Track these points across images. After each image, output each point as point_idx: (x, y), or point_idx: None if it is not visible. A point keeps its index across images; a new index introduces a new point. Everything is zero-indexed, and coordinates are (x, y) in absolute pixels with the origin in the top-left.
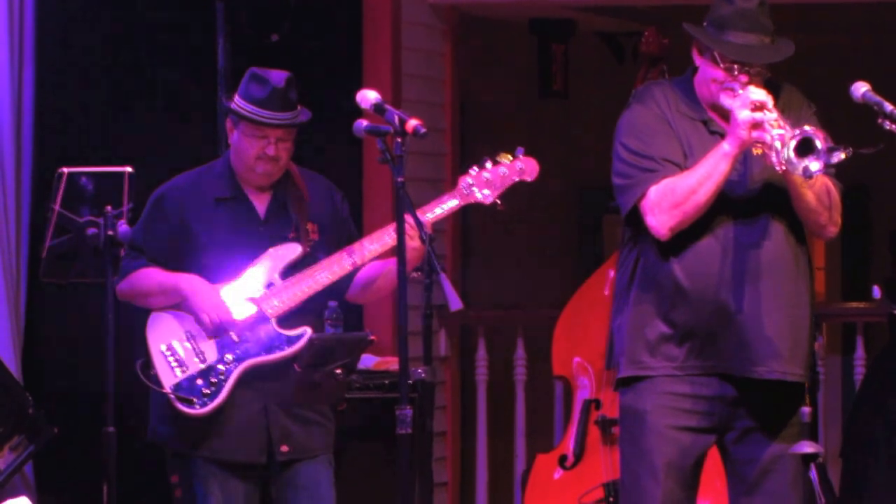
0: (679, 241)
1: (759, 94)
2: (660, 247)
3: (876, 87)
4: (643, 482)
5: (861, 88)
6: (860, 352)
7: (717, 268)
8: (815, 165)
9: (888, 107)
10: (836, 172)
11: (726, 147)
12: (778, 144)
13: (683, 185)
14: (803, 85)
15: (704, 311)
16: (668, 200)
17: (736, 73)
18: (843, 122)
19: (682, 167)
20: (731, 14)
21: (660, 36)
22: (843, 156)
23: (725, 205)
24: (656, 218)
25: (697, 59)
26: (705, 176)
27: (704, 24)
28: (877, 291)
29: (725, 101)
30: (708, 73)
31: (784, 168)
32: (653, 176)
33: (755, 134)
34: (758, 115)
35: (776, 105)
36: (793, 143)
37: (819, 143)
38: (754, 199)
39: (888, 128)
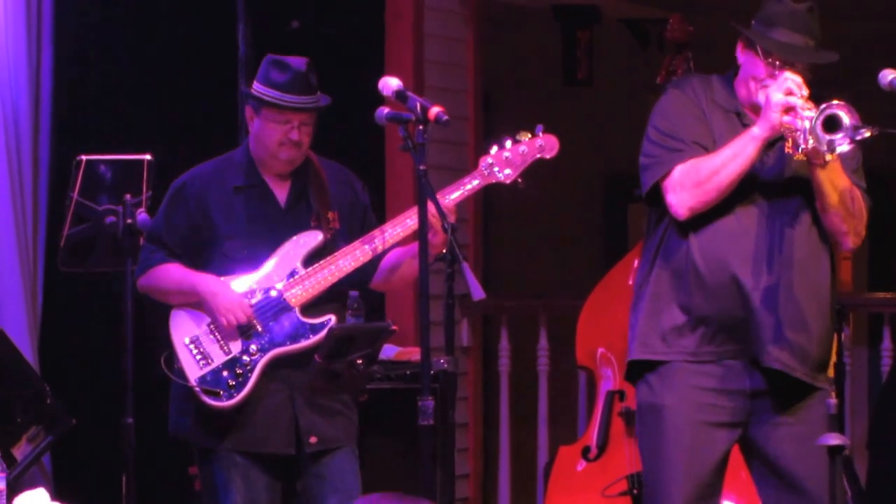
0: (700, 226)
1: (794, 78)
2: (681, 231)
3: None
4: (665, 478)
5: (889, 76)
6: (887, 342)
7: (735, 254)
8: (840, 140)
9: None
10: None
11: (756, 130)
12: (806, 124)
13: (708, 164)
14: (829, 71)
15: (719, 297)
16: (691, 179)
17: (777, 70)
18: (868, 109)
19: (709, 151)
20: (781, 12)
21: (685, 23)
22: (867, 133)
23: (752, 192)
24: (677, 196)
25: (741, 56)
26: (731, 157)
27: (753, 22)
28: None
29: (763, 98)
30: (749, 69)
31: (810, 146)
32: (679, 155)
33: (786, 119)
34: (791, 99)
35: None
36: (820, 118)
37: (846, 119)
38: (782, 190)
39: None
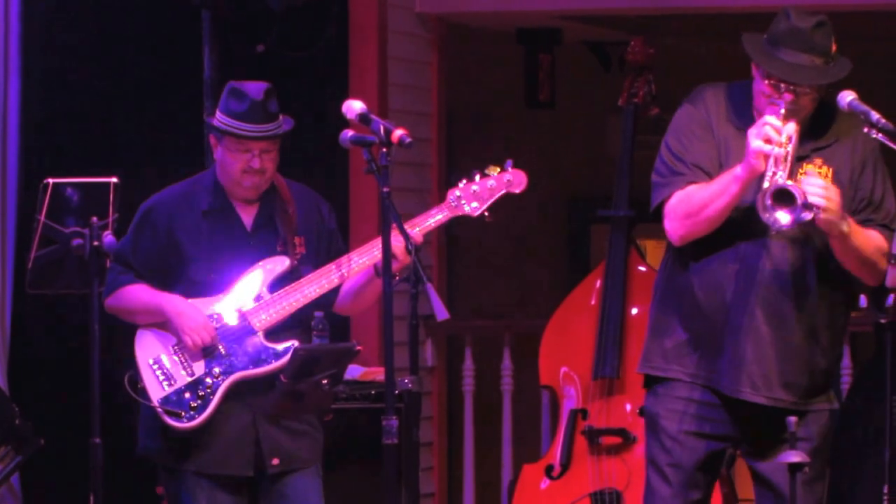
0: (702, 252)
1: (774, 124)
2: (683, 254)
3: (862, 96)
4: (654, 483)
5: (847, 97)
6: (846, 361)
7: (730, 284)
8: (784, 218)
9: (874, 116)
10: None
11: (738, 171)
12: (766, 184)
13: (698, 197)
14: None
15: (712, 325)
16: (682, 209)
17: (782, 90)
18: None
19: (712, 176)
20: (786, 31)
21: (646, 45)
22: (811, 216)
23: (751, 223)
24: (671, 224)
25: (753, 69)
26: (717, 193)
27: (765, 35)
28: (863, 300)
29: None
30: (758, 85)
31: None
32: (681, 179)
33: (764, 165)
34: (766, 148)
35: (820, 135)
36: (770, 191)
37: (797, 197)
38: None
39: (874, 137)
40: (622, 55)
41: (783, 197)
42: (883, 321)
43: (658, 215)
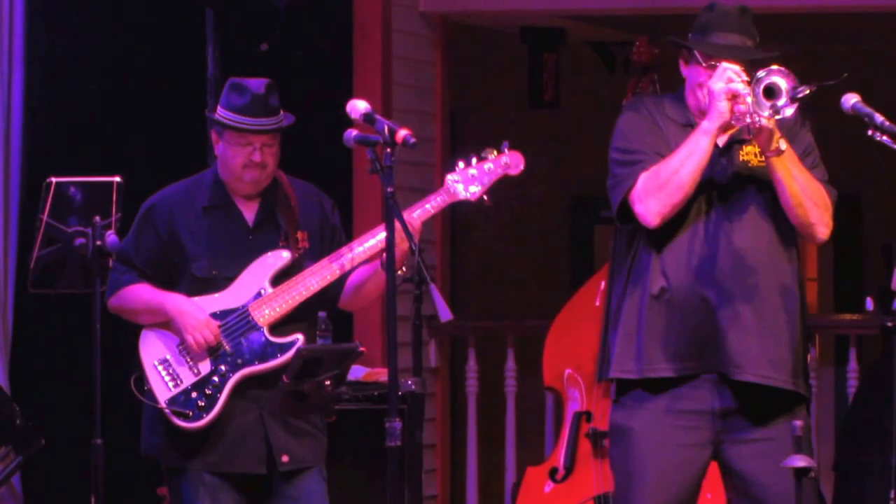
0: (665, 245)
1: (732, 67)
2: (648, 252)
3: (865, 98)
4: (636, 499)
5: (851, 99)
6: (853, 364)
7: (699, 270)
8: (783, 102)
9: (878, 118)
10: (831, 180)
11: (705, 123)
12: (749, 99)
13: (667, 167)
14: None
15: (688, 315)
16: (653, 183)
17: None
18: (833, 133)
19: None
20: (714, 18)
21: (651, 46)
22: (807, 91)
23: (709, 205)
24: (644, 204)
25: (684, 70)
26: (687, 155)
27: (689, 35)
28: (870, 303)
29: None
30: (693, 78)
31: (757, 120)
32: (641, 166)
33: (733, 105)
34: (732, 86)
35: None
36: (759, 88)
37: (784, 84)
38: (738, 198)
39: (878, 139)
40: (627, 55)
41: (772, 93)
42: (889, 324)
43: (624, 216)
